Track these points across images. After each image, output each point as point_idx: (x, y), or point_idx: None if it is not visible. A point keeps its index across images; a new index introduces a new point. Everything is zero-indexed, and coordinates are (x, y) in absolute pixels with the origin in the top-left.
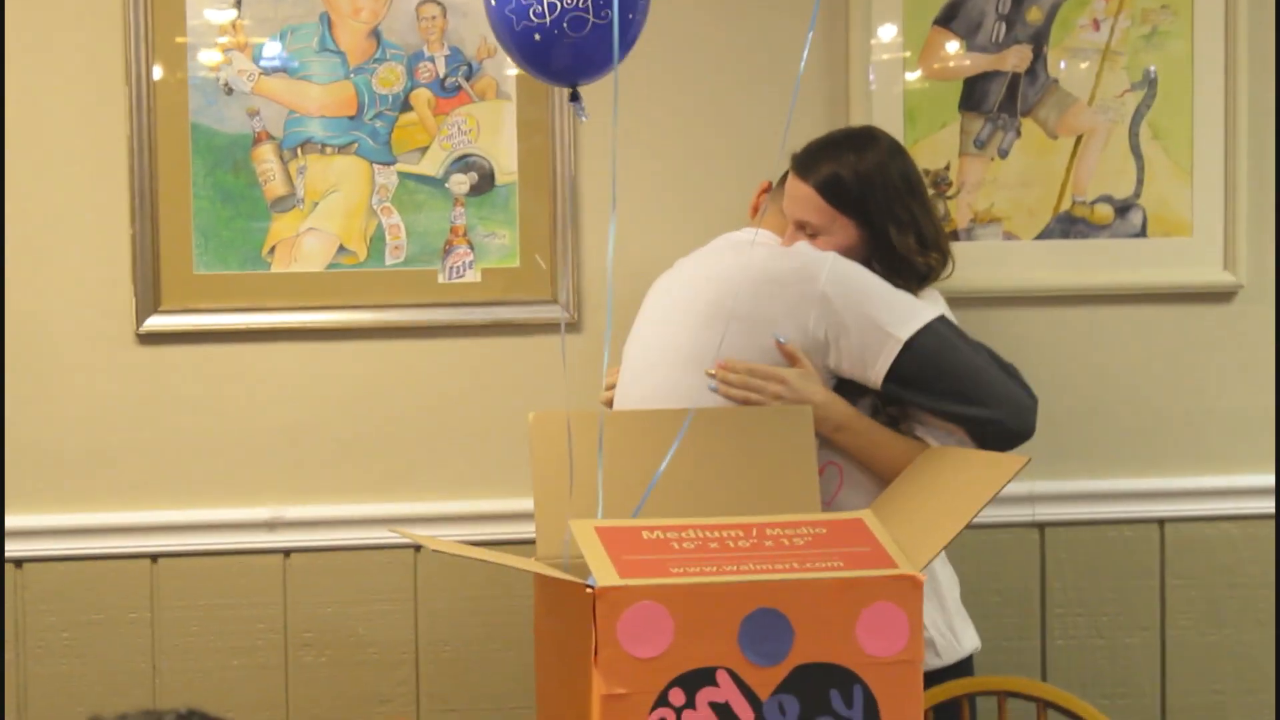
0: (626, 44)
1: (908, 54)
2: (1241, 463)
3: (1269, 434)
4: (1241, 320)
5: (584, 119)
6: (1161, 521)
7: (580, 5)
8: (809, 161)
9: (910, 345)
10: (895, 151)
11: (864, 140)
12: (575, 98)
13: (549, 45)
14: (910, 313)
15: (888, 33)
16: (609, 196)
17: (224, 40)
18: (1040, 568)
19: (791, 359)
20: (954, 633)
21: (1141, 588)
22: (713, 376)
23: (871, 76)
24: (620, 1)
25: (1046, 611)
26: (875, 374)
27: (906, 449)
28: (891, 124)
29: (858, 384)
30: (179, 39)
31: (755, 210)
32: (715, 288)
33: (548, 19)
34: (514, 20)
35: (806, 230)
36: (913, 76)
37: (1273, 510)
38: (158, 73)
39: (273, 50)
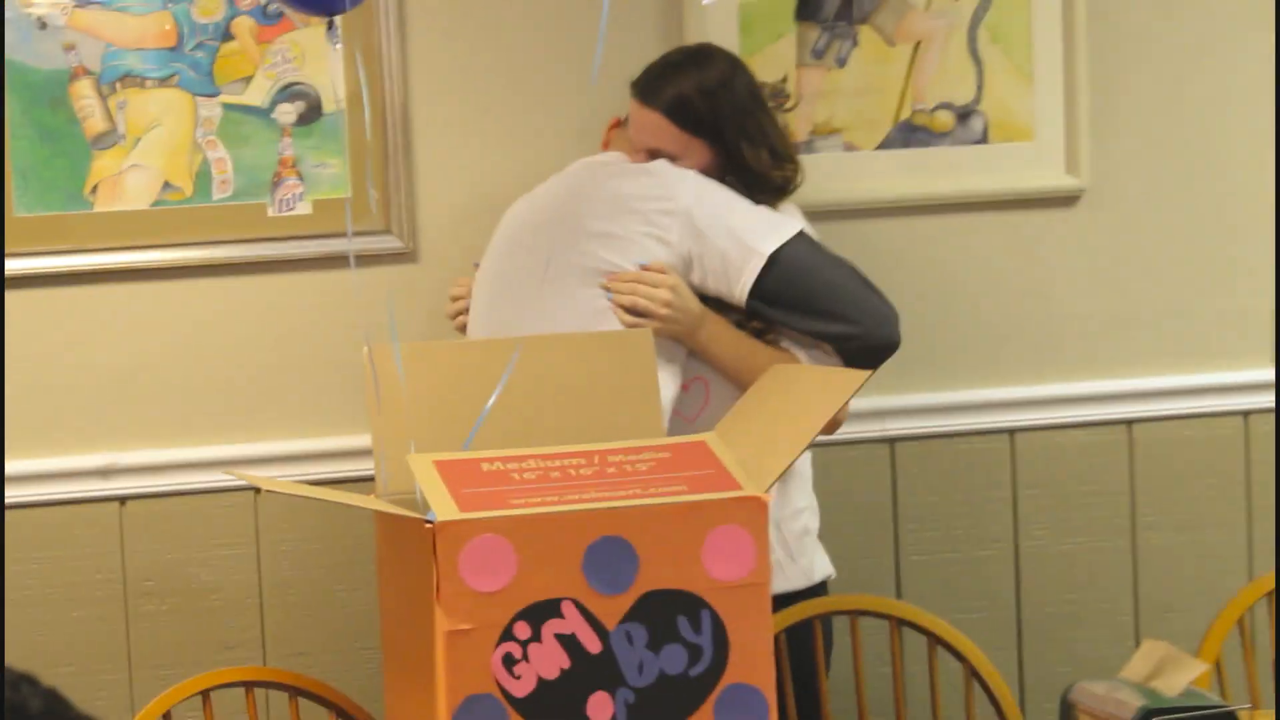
0: None
1: None
2: (1089, 368)
3: (1115, 338)
4: (1086, 224)
5: (337, 46)
6: (1011, 431)
7: None
8: (651, 86)
9: (774, 260)
10: (737, 66)
11: (703, 58)
12: (332, 26)
13: None
14: (773, 228)
15: None
16: (442, 123)
17: None
18: (891, 483)
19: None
20: (808, 558)
21: (994, 499)
22: (607, 290)
23: None
24: None
25: (899, 527)
26: (740, 289)
27: (776, 360)
28: (727, 36)
29: (720, 303)
30: None
31: (606, 146)
32: (574, 206)
33: None
34: None
35: (659, 158)
36: None
37: (1117, 415)
38: None
39: None
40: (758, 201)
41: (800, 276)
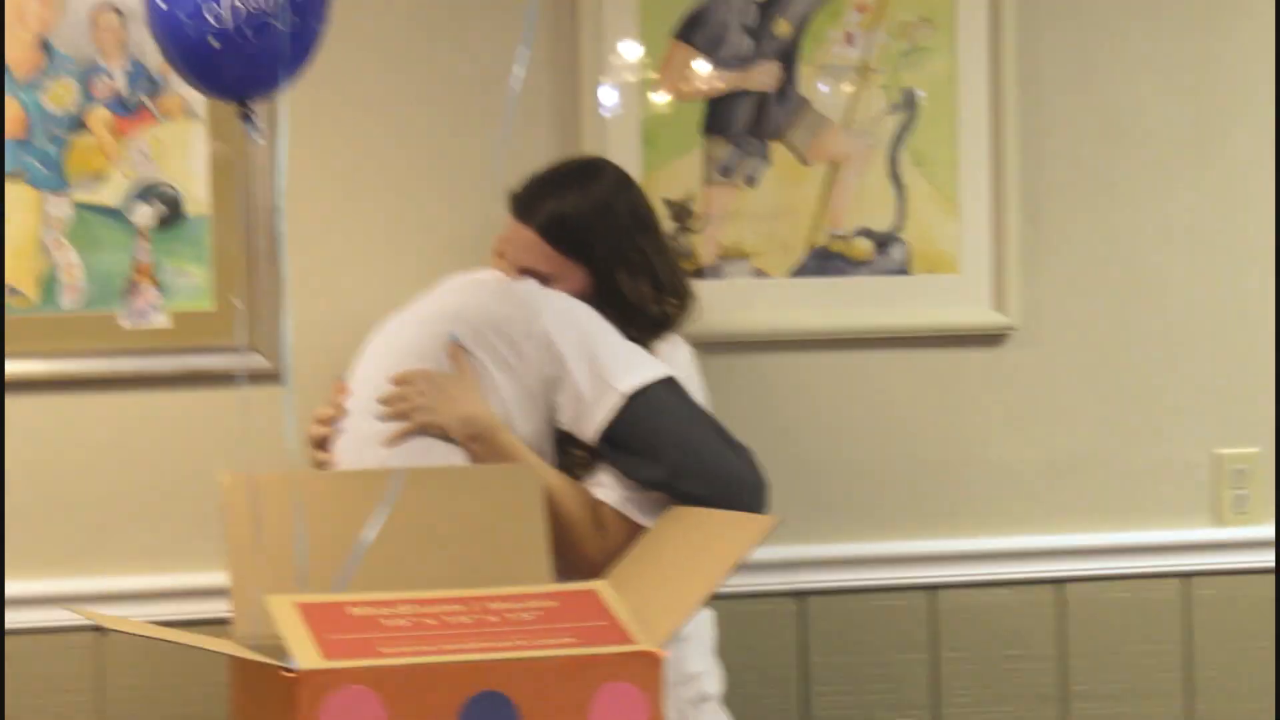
0: (303, 54)
1: (651, 74)
2: (1016, 522)
3: (1045, 489)
4: (1014, 365)
5: (260, 142)
6: (932, 588)
7: (268, 6)
8: (529, 201)
9: (632, 400)
10: (623, 184)
11: (588, 174)
12: (247, 117)
13: (225, 54)
14: (637, 365)
15: (630, 50)
16: (314, 231)
17: None
18: (801, 641)
19: (453, 356)
20: None
21: (912, 661)
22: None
23: (616, 96)
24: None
25: (810, 690)
26: (593, 427)
27: (574, 500)
28: (628, 150)
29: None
30: None
31: (499, 258)
32: (439, 326)
33: (229, 23)
34: (187, 23)
35: (534, 279)
36: (660, 98)
37: (1046, 573)
38: None
39: None
40: (631, 336)
41: (656, 425)
